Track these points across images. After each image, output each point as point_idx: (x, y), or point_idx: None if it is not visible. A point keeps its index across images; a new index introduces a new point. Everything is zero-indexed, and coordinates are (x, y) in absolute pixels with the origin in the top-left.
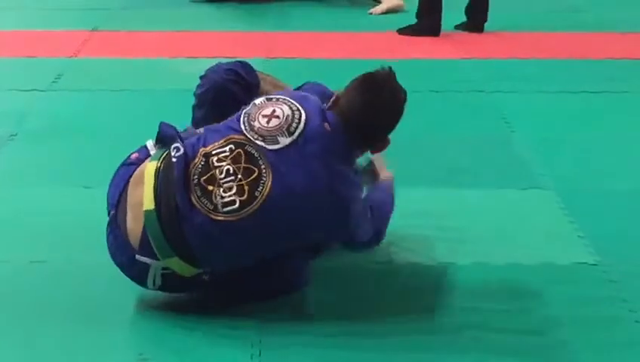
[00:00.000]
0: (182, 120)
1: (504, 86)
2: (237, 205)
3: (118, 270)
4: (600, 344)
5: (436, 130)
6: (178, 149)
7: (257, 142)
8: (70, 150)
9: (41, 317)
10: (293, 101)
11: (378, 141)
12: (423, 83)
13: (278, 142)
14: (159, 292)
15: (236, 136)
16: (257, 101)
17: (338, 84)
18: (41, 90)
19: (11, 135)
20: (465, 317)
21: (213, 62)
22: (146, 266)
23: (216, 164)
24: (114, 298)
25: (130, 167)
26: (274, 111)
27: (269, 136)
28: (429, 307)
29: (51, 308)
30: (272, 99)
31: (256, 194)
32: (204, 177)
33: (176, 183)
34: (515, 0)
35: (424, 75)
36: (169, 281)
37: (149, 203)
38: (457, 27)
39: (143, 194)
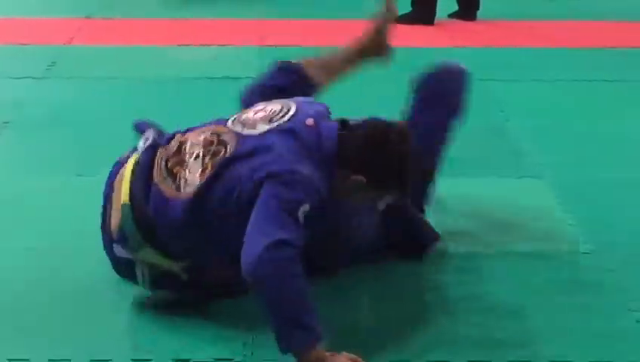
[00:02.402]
0: (175, 107)
1: (499, 74)
2: (198, 181)
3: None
4: (593, 332)
5: None
6: (147, 139)
7: (236, 128)
8: (64, 138)
9: (34, 305)
10: (291, 102)
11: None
12: (417, 71)
13: (255, 129)
14: None
15: (218, 127)
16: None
17: None
18: (35, 78)
19: (4, 122)
20: (458, 306)
21: (207, 50)
22: (131, 262)
23: (188, 150)
24: (108, 286)
25: (119, 165)
26: (265, 107)
27: (250, 123)
28: (421, 298)
29: (45, 296)
30: (271, 100)
31: (214, 164)
32: (172, 160)
33: (141, 170)
34: None
35: (418, 63)
36: (159, 279)
37: (125, 196)
38: (451, 15)
39: (122, 190)
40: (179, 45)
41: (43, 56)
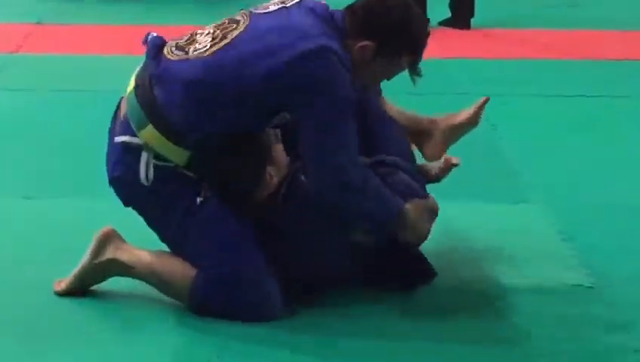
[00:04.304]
0: None
1: (492, 89)
2: (208, 46)
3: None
4: None
5: None
6: (152, 34)
7: (250, 9)
8: (9, 155)
9: None
10: None
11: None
12: (404, 85)
13: (268, 8)
14: (105, 306)
15: (232, 15)
16: None
17: None
18: None
19: None
20: (450, 341)
21: None
22: (136, 155)
23: (199, 31)
24: (55, 314)
25: None
26: None
27: (264, 6)
28: (406, 329)
29: None
30: None
31: (228, 36)
32: (183, 41)
33: (148, 55)
34: None
35: (406, 76)
36: (161, 177)
37: (129, 88)
38: (442, 23)
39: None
40: (136, 55)
41: None
